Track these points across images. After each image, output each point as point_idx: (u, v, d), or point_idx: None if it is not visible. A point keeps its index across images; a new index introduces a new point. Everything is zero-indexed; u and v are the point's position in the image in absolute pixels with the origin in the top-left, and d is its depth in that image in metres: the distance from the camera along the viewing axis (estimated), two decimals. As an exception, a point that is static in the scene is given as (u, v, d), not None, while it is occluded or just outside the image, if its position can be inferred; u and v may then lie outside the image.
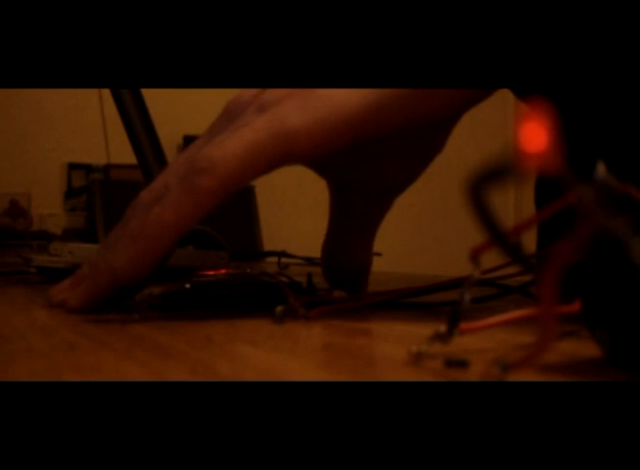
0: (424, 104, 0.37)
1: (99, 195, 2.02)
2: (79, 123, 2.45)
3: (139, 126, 0.59)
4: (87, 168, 2.45)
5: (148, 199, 0.37)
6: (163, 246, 0.35)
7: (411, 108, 0.37)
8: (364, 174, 0.43)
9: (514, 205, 2.85)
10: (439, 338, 0.24)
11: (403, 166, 0.43)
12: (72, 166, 2.48)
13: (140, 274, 0.35)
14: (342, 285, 0.45)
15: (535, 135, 0.17)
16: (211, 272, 0.42)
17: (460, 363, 0.23)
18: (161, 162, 0.59)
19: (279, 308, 0.34)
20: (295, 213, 2.70)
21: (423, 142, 0.42)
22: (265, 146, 0.35)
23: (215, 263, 0.53)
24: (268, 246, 2.13)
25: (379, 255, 0.51)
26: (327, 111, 0.36)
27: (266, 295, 0.39)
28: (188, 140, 2.39)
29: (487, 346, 0.27)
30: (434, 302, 0.41)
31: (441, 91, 0.37)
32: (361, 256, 0.45)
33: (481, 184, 0.18)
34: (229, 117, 0.38)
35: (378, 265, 0.50)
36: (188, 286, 0.37)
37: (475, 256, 0.23)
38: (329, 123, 0.36)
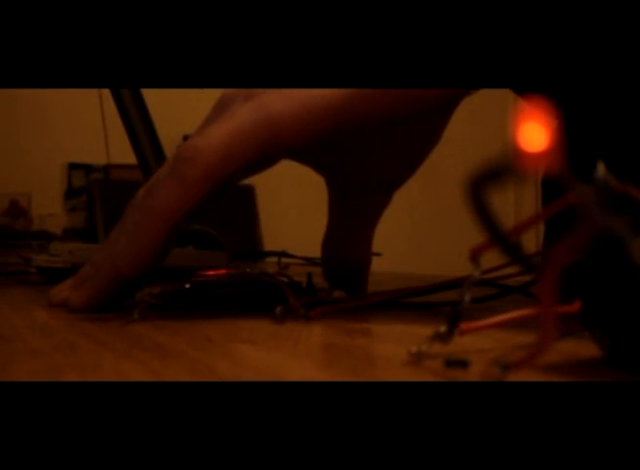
0: (408, 96, 0.37)
1: (99, 195, 2.02)
2: (79, 123, 2.45)
3: (139, 126, 0.59)
4: (87, 168, 2.45)
5: (142, 194, 0.37)
6: (158, 237, 0.35)
7: (395, 99, 0.37)
8: (360, 168, 0.43)
9: (514, 205, 2.85)
10: (439, 338, 0.24)
11: (399, 159, 0.43)
12: (72, 166, 2.49)
13: (141, 268, 0.35)
14: (342, 283, 0.45)
15: (535, 135, 0.17)
16: (211, 272, 0.42)
17: (460, 363, 0.23)
18: (161, 162, 0.59)
19: (279, 308, 0.34)
20: (295, 213, 2.70)
21: (418, 134, 0.42)
22: (249, 132, 0.35)
23: (215, 263, 0.53)
24: (268, 246, 2.13)
25: (379, 254, 0.51)
26: (311, 97, 0.36)
27: (266, 295, 0.39)
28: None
29: (487, 346, 0.27)
30: (434, 302, 0.41)
31: None
32: (361, 252, 0.45)
33: (481, 184, 0.18)
34: (220, 109, 0.38)
35: (378, 265, 0.50)
36: (188, 286, 0.37)
37: (475, 256, 0.23)
38: (312, 109, 0.36)
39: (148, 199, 0.35)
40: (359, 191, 0.44)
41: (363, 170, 0.43)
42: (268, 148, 0.36)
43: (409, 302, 0.42)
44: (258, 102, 0.36)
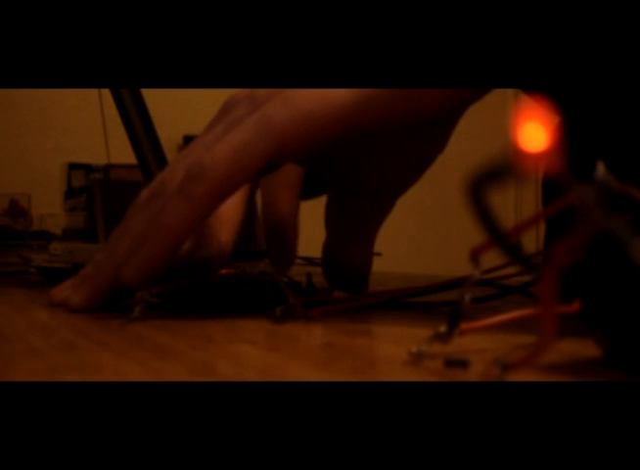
0: (413, 102, 0.37)
1: (99, 195, 2.01)
2: (79, 123, 2.45)
3: (139, 126, 0.59)
4: (87, 168, 2.45)
5: (146, 197, 0.38)
6: (165, 254, 0.35)
7: (400, 106, 0.37)
8: (364, 174, 0.43)
9: (514, 205, 2.85)
10: (439, 338, 0.24)
11: (403, 166, 0.42)
12: (72, 166, 2.48)
13: (144, 281, 0.35)
14: (343, 285, 0.45)
15: (535, 135, 0.17)
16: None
17: (460, 363, 0.23)
18: (161, 162, 0.59)
19: (279, 308, 0.34)
20: (295, 213, 2.69)
21: (422, 142, 0.41)
22: (253, 146, 0.35)
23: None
24: (268, 246, 2.12)
25: (379, 254, 0.51)
26: (313, 106, 0.36)
27: (266, 295, 0.39)
28: (188, 140, 2.39)
29: (487, 346, 0.27)
30: (434, 302, 0.41)
31: (432, 90, 0.37)
32: (362, 256, 0.45)
33: (481, 184, 0.18)
34: (224, 113, 0.38)
35: (378, 265, 0.50)
36: (188, 285, 0.37)
37: (475, 256, 0.23)
38: (315, 118, 0.36)
39: (156, 212, 0.35)
40: (363, 197, 0.43)
41: (368, 176, 0.43)
42: (273, 159, 0.36)
43: (409, 302, 0.42)
44: (261, 113, 0.36)
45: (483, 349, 0.26)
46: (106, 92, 0.65)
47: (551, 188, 0.59)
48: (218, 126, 0.37)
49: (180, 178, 0.36)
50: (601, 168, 0.18)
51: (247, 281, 0.40)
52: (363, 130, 0.37)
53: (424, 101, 0.38)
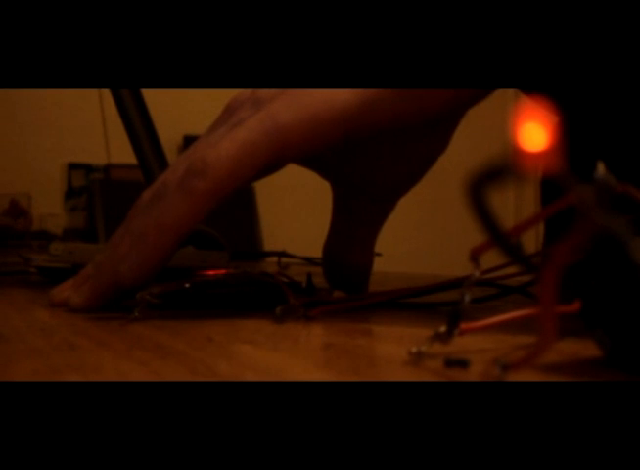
0: (416, 102, 0.37)
1: (99, 195, 2.02)
2: (79, 123, 2.45)
3: (139, 126, 0.59)
4: (87, 168, 2.45)
5: (148, 197, 0.38)
6: (164, 250, 0.35)
7: (403, 106, 0.37)
8: (365, 175, 0.43)
9: (514, 205, 2.85)
10: (439, 338, 0.24)
11: (405, 167, 0.43)
12: (72, 166, 2.49)
13: (142, 278, 0.35)
14: (343, 285, 0.45)
15: (535, 135, 0.17)
16: (211, 272, 0.42)
17: (460, 363, 0.23)
18: (161, 162, 0.59)
19: (279, 308, 0.34)
20: (295, 213, 2.70)
21: (424, 142, 0.42)
22: (258, 144, 0.35)
23: (215, 263, 0.53)
24: (268, 246, 2.13)
25: (379, 254, 0.51)
26: (318, 107, 0.36)
27: (266, 295, 0.39)
28: (188, 140, 2.40)
29: (487, 346, 0.27)
30: (434, 302, 0.41)
31: (435, 90, 0.37)
32: (363, 256, 0.45)
33: (481, 184, 0.18)
34: (228, 114, 0.38)
35: (378, 265, 0.50)
36: (188, 286, 0.37)
37: (475, 256, 0.23)
38: (319, 120, 0.36)
39: (156, 211, 0.35)
40: (364, 197, 0.44)
41: (369, 177, 0.43)
42: (276, 159, 0.36)
43: (409, 302, 0.42)
44: (266, 112, 0.36)
45: (483, 349, 0.26)
46: (106, 92, 0.65)
47: (550, 188, 0.59)
48: (222, 127, 0.37)
49: (181, 173, 0.36)
50: (601, 168, 0.18)
51: (247, 281, 0.40)
52: (366, 132, 0.37)
53: (427, 101, 0.38)
